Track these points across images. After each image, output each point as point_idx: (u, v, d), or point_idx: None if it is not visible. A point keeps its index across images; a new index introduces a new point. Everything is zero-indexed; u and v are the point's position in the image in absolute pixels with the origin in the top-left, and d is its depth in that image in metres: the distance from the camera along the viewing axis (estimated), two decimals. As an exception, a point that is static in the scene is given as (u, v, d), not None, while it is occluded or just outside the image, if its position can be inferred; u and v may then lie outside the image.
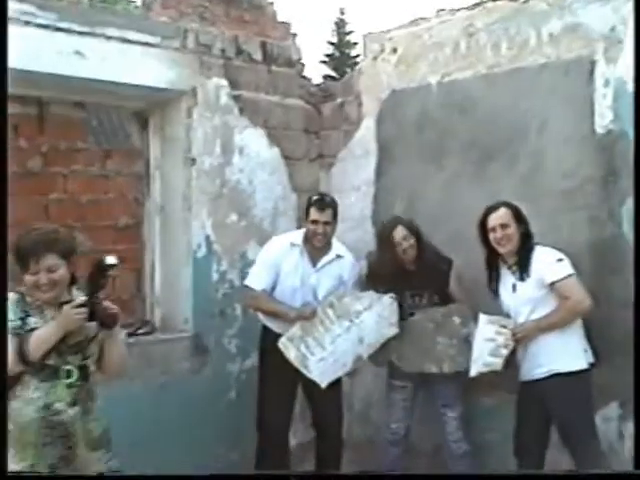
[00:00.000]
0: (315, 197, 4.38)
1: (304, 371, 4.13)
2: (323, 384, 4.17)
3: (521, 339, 3.78)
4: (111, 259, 2.84)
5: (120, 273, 4.75)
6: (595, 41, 4.07)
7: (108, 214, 4.74)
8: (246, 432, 4.41)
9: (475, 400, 4.39)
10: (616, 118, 3.98)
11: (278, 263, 4.30)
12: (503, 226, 3.81)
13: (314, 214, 4.27)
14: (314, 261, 4.35)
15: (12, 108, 4.35)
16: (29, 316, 2.84)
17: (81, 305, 2.82)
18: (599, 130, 4.05)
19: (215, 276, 4.80)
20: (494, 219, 3.83)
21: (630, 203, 3.90)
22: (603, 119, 4.03)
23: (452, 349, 4.13)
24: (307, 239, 4.34)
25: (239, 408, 4.63)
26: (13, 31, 3.97)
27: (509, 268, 3.89)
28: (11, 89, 4.24)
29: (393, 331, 4.22)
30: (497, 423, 4.29)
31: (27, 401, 2.81)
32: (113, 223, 4.76)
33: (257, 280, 4.32)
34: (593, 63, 4.07)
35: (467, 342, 4.07)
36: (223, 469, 4.60)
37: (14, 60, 3.96)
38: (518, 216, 3.85)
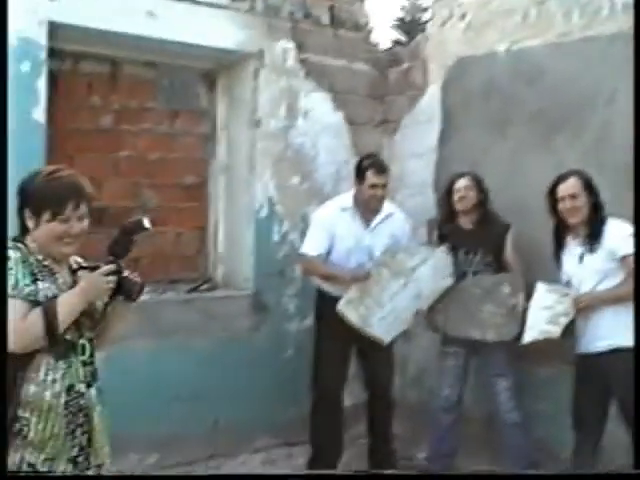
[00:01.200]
0: (370, 160, 4.37)
1: (368, 330, 4.18)
2: (387, 341, 4.24)
3: (583, 309, 3.75)
4: (148, 222, 2.49)
5: (185, 230, 4.91)
6: (671, 11, 3.98)
7: (175, 172, 4.86)
8: (302, 390, 4.50)
9: (530, 370, 4.39)
10: (689, 92, 3.90)
11: (331, 228, 4.34)
12: (572, 196, 3.75)
13: (373, 177, 4.28)
14: (366, 222, 4.40)
15: (86, 66, 4.51)
16: (37, 280, 2.33)
17: (112, 273, 2.44)
18: (670, 104, 3.97)
19: (276, 237, 4.88)
20: (563, 189, 3.77)
21: None
22: (675, 92, 3.95)
23: (498, 318, 4.15)
24: (357, 202, 4.38)
25: (296, 366, 4.71)
26: (90, -9, 4.10)
27: (576, 238, 3.84)
28: (86, 47, 4.42)
29: (449, 282, 4.28)
30: (551, 393, 4.29)
31: (42, 384, 2.31)
32: (179, 181, 4.88)
33: (312, 246, 4.37)
34: (667, 34, 3.98)
35: (514, 312, 4.08)
36: (280, 424, 4.73)
37: (91, 19, 4.11)
38: (589, 186, 3.78)
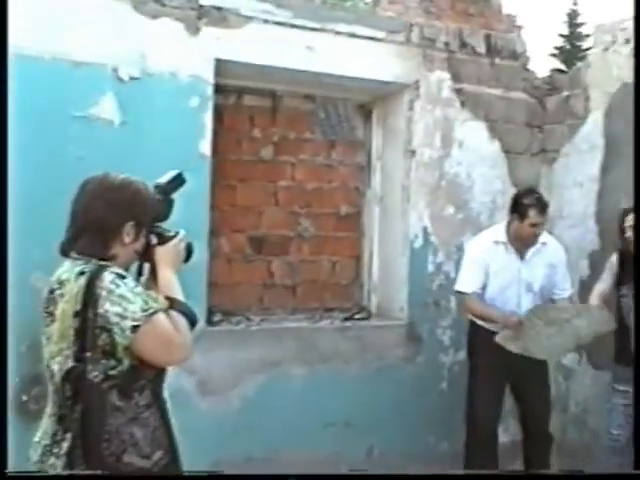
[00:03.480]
0: (533, 198, 4.22)
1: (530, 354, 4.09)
2: (551, 361, 4.31)
3: None
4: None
5: (341, 259, 4.97)
6: None
7: (331, 202, 4.95)
8: (456, 424, 4.40)
9: None
10: None
11: (486, 263, 4.25)
12: None
13: (535, 217, 4.16)
14: (521, 254, 4.28)
15: (249, 100, 4.71)
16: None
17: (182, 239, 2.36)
18: None
19: (431, 267, 4.84)
20: None
21: None
22: None
23: None
24: (511, 235, 4.26)
25: (450, 399, 4.63)
26: (253, 28, 4.28)
27: None
28: (249, 82, 4.62)
29: (610, 326, 4.08)
30: None
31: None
32: (335, 211, 4.96)
33: (467, 283, 4.30)
34: None
35: None
36: (431, 458, 4.65)
37: (254, 56, 4.28)
38: None
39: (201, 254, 4.12)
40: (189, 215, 3.96)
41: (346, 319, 4.77)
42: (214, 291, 4.43)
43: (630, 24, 4.82)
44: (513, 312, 4.15)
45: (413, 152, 4.84)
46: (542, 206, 4.20)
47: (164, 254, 2.28)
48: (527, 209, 4.18)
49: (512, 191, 5.07)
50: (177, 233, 2.34)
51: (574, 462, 4.69)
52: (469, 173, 5.01)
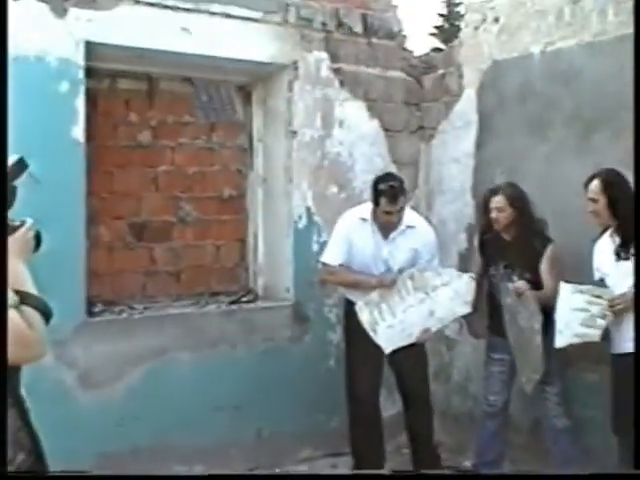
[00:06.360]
0: (383, 186, 4.14)
1: (372, 335, 4.19)
2: (387, 350, 4.23)
3: (620, 310, 3.64)
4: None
5: (225, 242, 4.95)
6: None
7: (213, 185, 4.91)
8: (345, 400, 4.48)
9: (577, 375, 4.31)
10: None
11: (350, 238, 4.29)
12: (592, 200, 3.73)
13: (386, 205, 4.14)
14: (385, 234, 4.29)
15: (124, 84, 4.59)
16: None
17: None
18: None
19: (315, 247, 4.87)
20: (588, 191, 3.75)
21: None
22: None
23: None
24: (375, 215, 4.26)
25: (338, 376, 4.68)
26: (125, 10, 4.18)
27: (614, 236, 3.75)
28: (123, 65, 4.50)
29: (466, 309, 4.27)
30: (599, 399, 4.20)
31: None
32: (218, 194, 4.93)
33: (332, 256, 4.34)
34: None
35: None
36: (323, 435, 4.73)
37: (126, 38, 4.18)
38: (610, 188, 3.69)
39: (78, 243, 4.05)
40: (64, 203, 3.91)
41: (232, 302, 4.77)
42: (95, 281, 4.34)
43: (498, 3, 4.97)
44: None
45: (294, 133, 4.85)
46: (392, 196, 4.12)
47: (11, 245, 2.08)
48: (378, 197, 4.16)
49: (393, 168, 5.19)
50: (23, 222, 2.16)
51: (458, 428, 4.88)
52: (350, 152, 5.07)
